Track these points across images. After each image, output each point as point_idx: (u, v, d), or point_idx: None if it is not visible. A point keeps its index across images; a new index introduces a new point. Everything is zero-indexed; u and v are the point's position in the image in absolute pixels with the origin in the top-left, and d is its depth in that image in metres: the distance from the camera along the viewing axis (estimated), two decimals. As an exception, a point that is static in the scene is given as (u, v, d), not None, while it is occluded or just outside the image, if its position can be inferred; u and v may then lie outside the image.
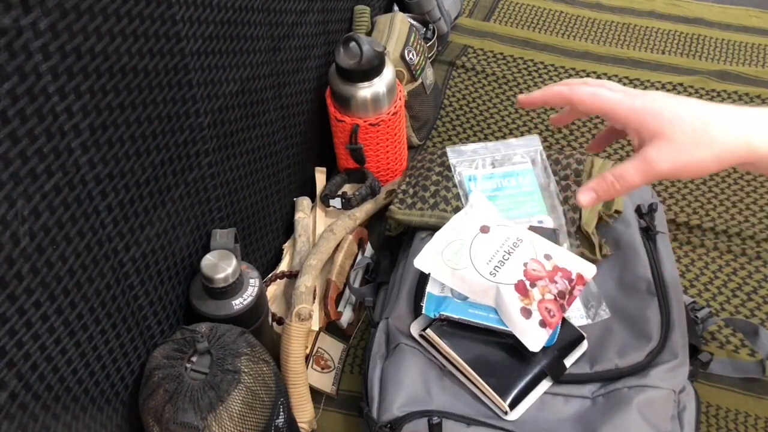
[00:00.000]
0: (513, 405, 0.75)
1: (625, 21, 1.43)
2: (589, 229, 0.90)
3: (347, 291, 0.97)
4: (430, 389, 0.78)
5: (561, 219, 0.93)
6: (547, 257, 0.83)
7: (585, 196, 0.65)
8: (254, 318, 0.82)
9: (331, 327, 0.96)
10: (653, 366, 0.77)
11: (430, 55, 1.24)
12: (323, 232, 0.98)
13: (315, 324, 0.92)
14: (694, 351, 0.83)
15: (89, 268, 0.62)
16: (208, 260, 0.77)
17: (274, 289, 0.97)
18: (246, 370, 0.70)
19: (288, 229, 1.04)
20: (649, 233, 0.90)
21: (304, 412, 0.86)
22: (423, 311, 0.82)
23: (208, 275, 0.77)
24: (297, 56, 0.94)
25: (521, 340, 0.76)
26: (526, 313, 0.77)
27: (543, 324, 0.77)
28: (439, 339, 0.79)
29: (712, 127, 0.59)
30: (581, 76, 1.30)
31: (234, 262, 0.78)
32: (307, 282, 0.90)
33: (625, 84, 1.27)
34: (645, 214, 0.92)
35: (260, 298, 0.82)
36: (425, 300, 0.82)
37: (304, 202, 1.05)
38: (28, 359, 0.57)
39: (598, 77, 1.29)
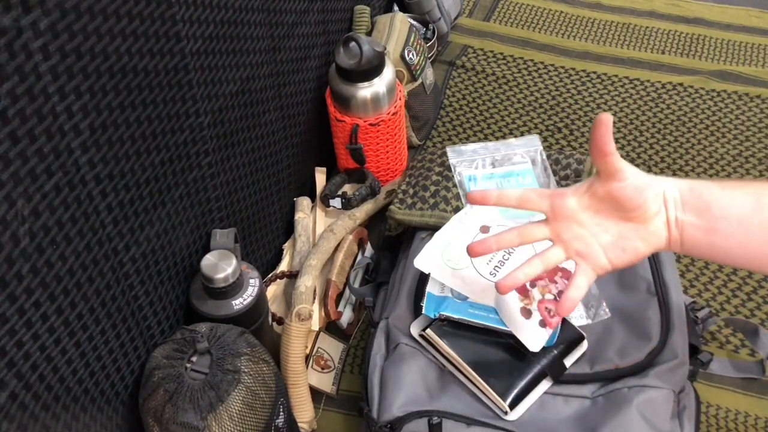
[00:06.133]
0: (513, 405, 0.75)
1: (625, 21, 1.43)
2: (589, 229, 0.90)
3: (347, 291, 0.97)
4: (430, 389, 0.78)
5: (561, 219, 0.92)
6: (547, 257, 0.83)
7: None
8: (254, 318, 0.82)
9: (331, 327, 0.96)
10: (653, 366, 0.77)
11: (430, 55, 1.24)
12: (323, 232, 0.98)
13: (315, 324, 0.92)
14: (694, 351, 0.82)
15: (89, 268, 0.62)
16: (208, 260, 0.77)
17: (274, 289, 0.97)
18: (246, 370, 0.70)
19: (288, 229, 1.04)
20: (649, 233, 0.90)
21: (304, 412, 0.86)
22: (423, 311, 0.82)
23: (208, 275, 0.77)
24: (297, 56, 0.94)
25: (521, 340, 0.76)
26: (526, 313, 0.77)
27: (543, 324, 0.77)
28: (439, 339, 0.79)
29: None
30: (581, 76, 1.30)
31: (234, 262, 0.78)
32: (307, 282, 0.90)
33: (624, 84, 1.28)
34: (645, 214, 0.92)
35: (260, 298, 0.81)
36: (425, 300, 0.82)
37: (304, 202, 1.05)
38: (28, 359, 0.57)
39: (598, 77, 1.29)
